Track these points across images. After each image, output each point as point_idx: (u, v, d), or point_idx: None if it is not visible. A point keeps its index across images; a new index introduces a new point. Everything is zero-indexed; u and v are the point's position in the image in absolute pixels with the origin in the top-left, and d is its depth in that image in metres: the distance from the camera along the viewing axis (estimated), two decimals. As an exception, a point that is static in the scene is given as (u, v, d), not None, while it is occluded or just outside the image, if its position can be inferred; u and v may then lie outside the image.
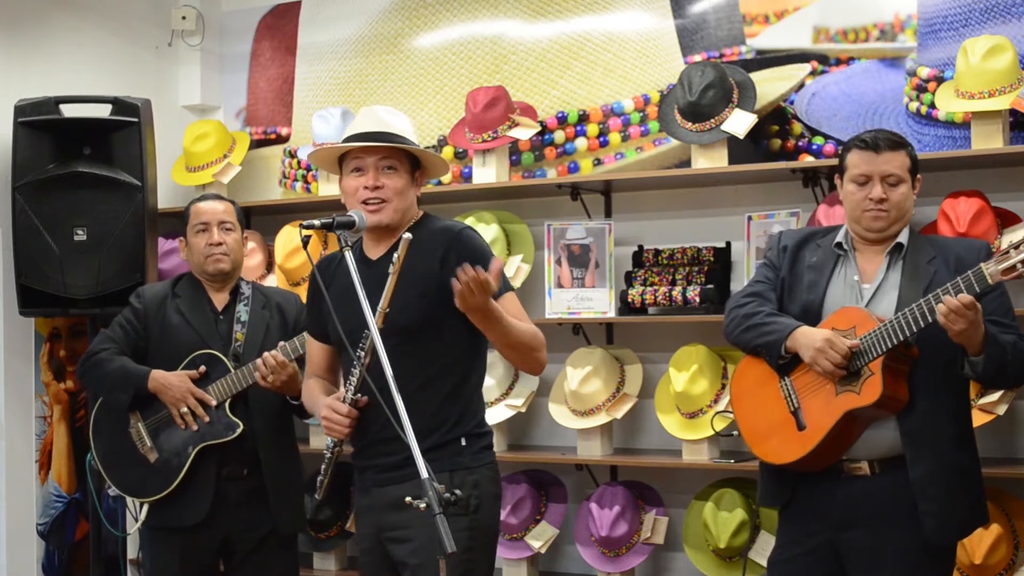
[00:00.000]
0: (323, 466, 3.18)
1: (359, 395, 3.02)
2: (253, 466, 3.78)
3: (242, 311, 3.87)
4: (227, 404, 3.76)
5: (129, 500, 3.96)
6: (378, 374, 2.74)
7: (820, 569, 3.20)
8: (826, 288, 3.23)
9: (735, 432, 3.59)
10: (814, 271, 3.27)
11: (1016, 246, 2.90)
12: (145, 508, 3.80)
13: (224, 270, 3.87)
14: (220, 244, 3.85)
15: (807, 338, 3.12)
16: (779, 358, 3.20)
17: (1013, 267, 2.90)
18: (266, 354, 3.63)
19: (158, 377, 3.77)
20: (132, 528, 3.84)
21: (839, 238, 3.29)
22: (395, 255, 2.86)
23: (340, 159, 3.18)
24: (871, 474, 3.14)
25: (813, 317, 3.21)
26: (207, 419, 3.75)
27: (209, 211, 3.89)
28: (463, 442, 3.07)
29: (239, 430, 3.74)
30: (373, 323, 2.76)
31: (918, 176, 3.25)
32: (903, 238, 3.21)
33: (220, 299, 3.90)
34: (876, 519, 3.13)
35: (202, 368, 3.78)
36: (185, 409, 3.74)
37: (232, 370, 3.77)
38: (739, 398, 3.38)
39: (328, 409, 3.06)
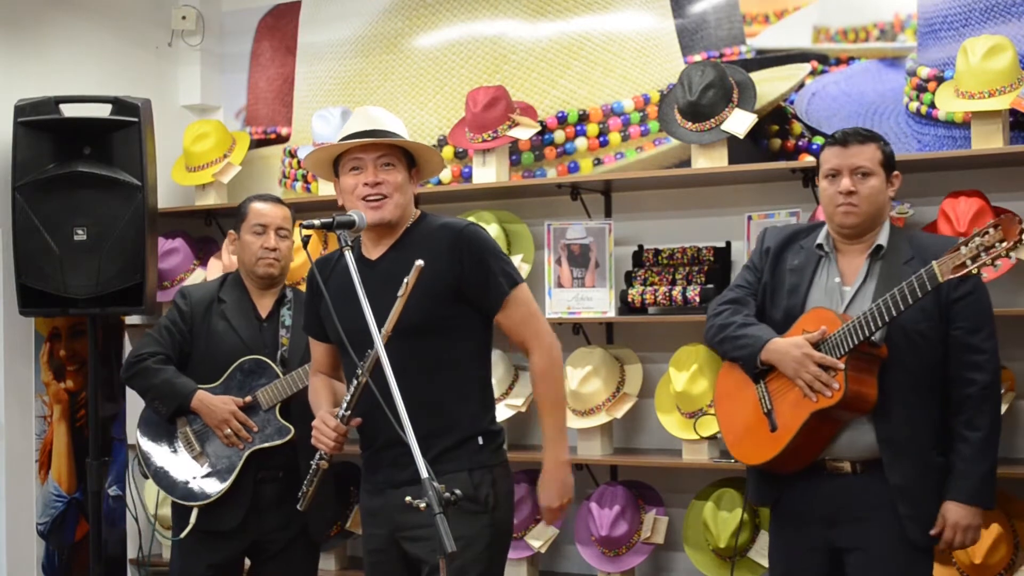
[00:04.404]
0: (308, 476, 3.19)
1: (348, 412, 3.02)
2: (288, 470, 3.79)
3: (286, 316, 3.91)
4: (277, 408, 3.79)
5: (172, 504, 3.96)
6: (385, 378, 2.73)
7: (819, 565, 3.22)
8: (807, 292, 3.23)
9: (719, 434, 3.59)
10: (796, 274, 3.26)
11: (965, 243, 2.85)
12: (195, 512, 3.81)
13: (273, 275, 3.91)
14: (275, 250, 3.89)
15: (782, 352, 3.13)
16: (755, 369, 3.22)
17: (963, 264, 2.84)
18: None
19: (202, 398, 3.80)
20: (183, 532, 3.84)
21: (820, 239, 3.27)
22: (406, 280, 2.79)
23: (335, 163, 3.16)
24: (852, 472, 3.15)
25: (795, 321, 3.20)
26: (250, 439, 3.79)
27: (270, 214, 3.91)
28: (480, 440, 3.08)
29: (290, 435, 3.77)
30: (378, 336, 2.71)
31: (895, 173, 3.22)
32: (882, 239, 3.19)
33: (264, 305, 3.93)
34: (859, 518, 3.15)
35: (248, 398, 3.80)
36: (228, 431, 3.78)
37: (280, 375, 3.80)
38: (720, 400, 3.43)
39: (319, 421, 3.08)
